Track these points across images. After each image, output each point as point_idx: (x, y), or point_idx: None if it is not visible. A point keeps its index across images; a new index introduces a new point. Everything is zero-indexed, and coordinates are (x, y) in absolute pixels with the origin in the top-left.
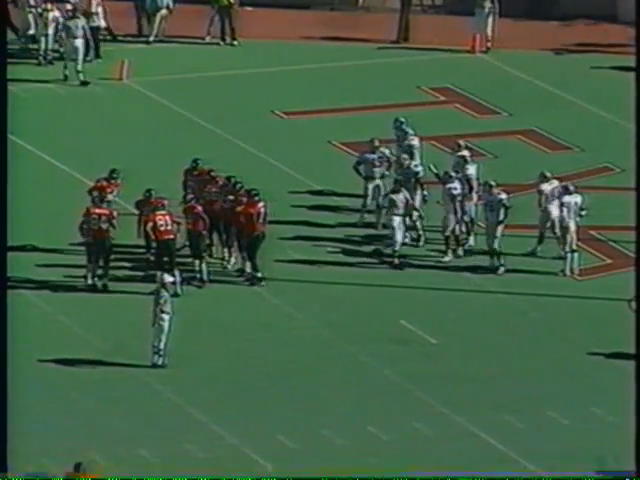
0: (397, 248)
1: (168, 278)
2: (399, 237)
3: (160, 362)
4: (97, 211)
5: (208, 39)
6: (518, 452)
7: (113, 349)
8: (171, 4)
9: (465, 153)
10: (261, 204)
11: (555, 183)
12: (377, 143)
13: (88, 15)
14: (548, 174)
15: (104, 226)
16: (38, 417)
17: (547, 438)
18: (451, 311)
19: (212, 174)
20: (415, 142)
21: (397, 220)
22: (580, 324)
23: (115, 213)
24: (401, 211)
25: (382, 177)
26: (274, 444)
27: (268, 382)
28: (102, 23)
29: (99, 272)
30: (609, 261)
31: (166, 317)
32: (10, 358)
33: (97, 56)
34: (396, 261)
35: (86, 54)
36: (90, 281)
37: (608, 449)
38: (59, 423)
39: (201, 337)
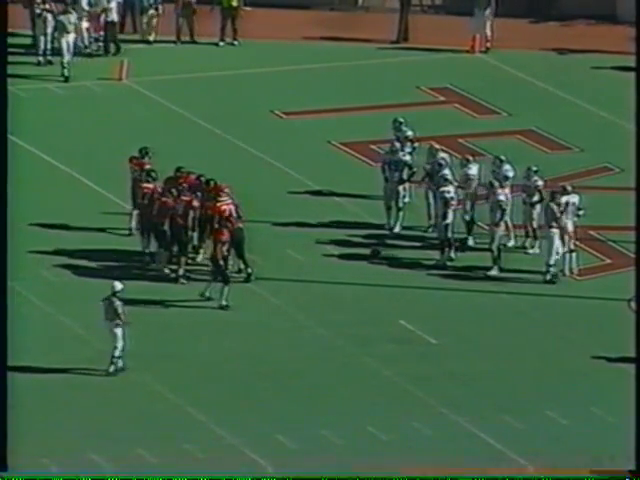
0: (552, 262)
1: (118, 286)
2: (561, 249)
3: (120, 364)
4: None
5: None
6: (517, 452)
7: (112, 349)
8: (159, 4)
9: (508, 167)
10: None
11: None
12: (397, 146)
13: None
14: (534, 167)
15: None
16: (37, 417)
17: (546, 438)
18: (451, 311)
19: (206, 180)
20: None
21: (556, 232)
22: (579, 324)
23: (196, 203)
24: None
25: (400, 182)
26: (273, 444)
27: (267, 382)
28: (115, 17)
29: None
30: (608, 261)
31: (119, 323)
32: (10, 358)
33: (117, 50)
34: (548, 276)
35: (110, 49)
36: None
37: (607, 449)
38: (58, 423)
39: (200, 336)
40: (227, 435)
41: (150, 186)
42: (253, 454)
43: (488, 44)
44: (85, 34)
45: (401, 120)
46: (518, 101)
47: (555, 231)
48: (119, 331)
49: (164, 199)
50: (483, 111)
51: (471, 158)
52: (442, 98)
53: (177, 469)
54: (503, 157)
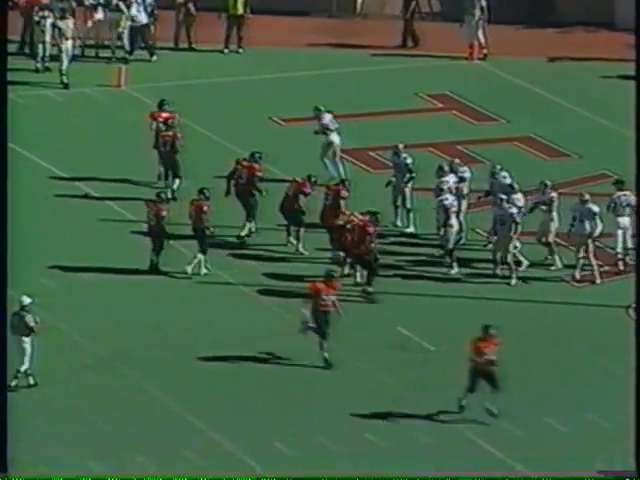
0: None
1: (26, 300)
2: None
3: (32, 382)
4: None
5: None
6: (516, 459)
7: (111, 355)
8: (155, 12)
9: (505, 174)
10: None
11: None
12: (400, 147)
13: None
14: (548, 181)
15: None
16: (36, 424)
17: (545, 445)
18: (449, 318)
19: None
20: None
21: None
22: (579, 331)
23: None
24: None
25: (406, 183)
26: (272, 451)
27: (266, 389)
28: (144, 20)
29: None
30: (607, 268)
31: (27, 339)
32: (8, 365)
33: (151, 54)
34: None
35: (130, 53)
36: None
37: (606, 456)
38: (57, 430)
39: (199, 343)
40: (225, 442)
41: (170, 133)
42: (251, 461)
43: (484, 51)
44: (126, 40)
45: (320, 108)
46: (516, 108)
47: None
48: (28, 346)
49: (199, 203)
50: (481, 118)
51: (499, 166)
52: (440, 105)
53: (175, 476)
54: (498, 167)
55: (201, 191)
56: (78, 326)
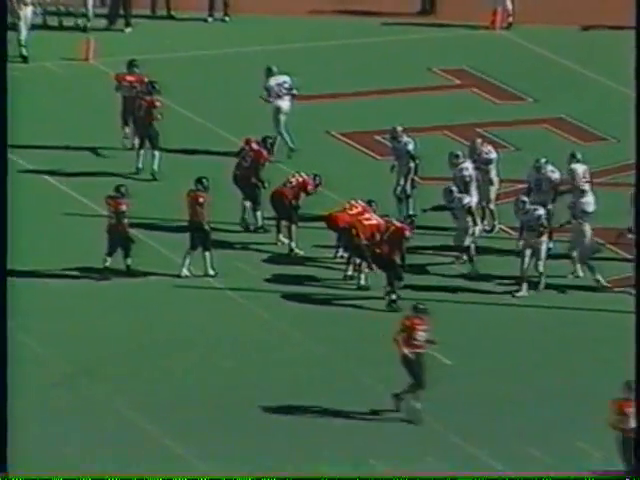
0: None
1: None
2: None
3: None
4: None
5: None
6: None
7: (77, 371)
8: None
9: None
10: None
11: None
12: (399, 130)
13: None
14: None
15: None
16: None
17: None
18: (467, 328)
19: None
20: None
21: None
22: (609, 339)
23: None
24: None
25: (406, 174)
26: None
27: (258, 407)
28: None
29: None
30: None
31: None
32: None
33: (126, 25)
34: None
35: (112, 23)
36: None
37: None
38: (23, 451)
39: (184, 355)
40: (210, 470)
41: (147, 98)
42: None
43: (510, 19)
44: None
45: (272, 69)
46: (546, 85)
47: None
48: None
49: (196, 194)
50: (505, 96)
51: (543, 160)
52: (457, 81)
53: None
54: (542, 160)
55: (199, 180)
56: (40, 337)
